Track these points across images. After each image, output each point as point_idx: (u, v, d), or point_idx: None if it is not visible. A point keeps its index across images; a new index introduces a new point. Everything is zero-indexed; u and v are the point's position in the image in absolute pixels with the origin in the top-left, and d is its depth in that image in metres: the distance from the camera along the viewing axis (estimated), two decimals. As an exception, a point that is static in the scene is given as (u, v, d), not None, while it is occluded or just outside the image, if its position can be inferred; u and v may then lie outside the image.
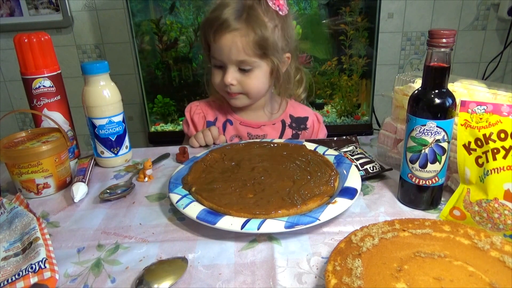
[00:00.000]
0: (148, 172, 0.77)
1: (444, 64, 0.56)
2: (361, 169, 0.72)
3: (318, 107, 1.78)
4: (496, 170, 0.55)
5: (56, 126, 0.79)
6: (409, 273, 0.43)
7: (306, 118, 1.02)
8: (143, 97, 1.72)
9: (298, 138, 1.00)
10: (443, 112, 0.56)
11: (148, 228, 0.61)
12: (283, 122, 1.00)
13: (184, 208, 0.60)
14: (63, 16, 1.76)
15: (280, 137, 0.99)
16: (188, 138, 0.99)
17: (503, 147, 0.55)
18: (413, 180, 0.61)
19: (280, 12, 0.87)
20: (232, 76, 0.87)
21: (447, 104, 0.56)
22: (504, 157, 0.55)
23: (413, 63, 1.89)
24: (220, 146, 0.82)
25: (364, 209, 0.64)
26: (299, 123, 1.01)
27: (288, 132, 1.00)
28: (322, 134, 1.05)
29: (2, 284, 0.47)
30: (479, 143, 0.57)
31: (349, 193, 0.61)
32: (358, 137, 0.90)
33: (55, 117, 0.82)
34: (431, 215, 0.62)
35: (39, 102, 0.81)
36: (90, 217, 0.65)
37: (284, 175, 0.68)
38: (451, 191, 0.62)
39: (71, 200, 0.70)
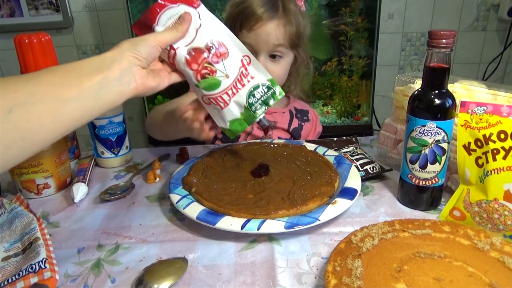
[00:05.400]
0: (157, 172, 0.77)
1: (444, 64, 0.56)
2: (361, 169, 0.72)
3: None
4: (496, 170, 0.55)
5: (57, 127, 0.79)
6: (409, 273, 0.43)
7: (307, 111, 1.07)
8: (143, 98, 1.72)
9: (302, 130, 1.03)
10: (443, 112, 0.57)
11: (148, 229, 0.61)
12: (291, 112, 1.03)
13: (184, 209, 0.60)
14: (63, 16, 1.76)
15: (289, 125, 1.01)
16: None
17: (503, 148, 0.55)
18: (413, 180, 0.61)
19: (301, 8, 0.92)
20: (263, 64, 0.88)
21: (447, 104, 0.56)
22: (504, 157, 0.55)
23: (413, 63, 1.88)
24: (220, 147, 0.83)
25: (364, 210, 0.64)
26: (302, 115, 1.05)
27: (295, 122, 1.03)
28: (320, 128, 1.10)
29: (2, 284, 0.47)
30: (479, 143, 0.57)
31: (349, 193, 0.61)
32: (358, 137, 0.90)
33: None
34: (431, 215, 0.62)
35: (39, 103, 0.81)
36: (90, 218, 0.65)
37: (284, 176, 0.68)
38: (451, 192, 0.62)
39: (71, 201, 0.70)
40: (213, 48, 0.59)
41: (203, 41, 0.59)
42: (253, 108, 0.63)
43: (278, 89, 0.64)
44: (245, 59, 0.62)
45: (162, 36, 0.56)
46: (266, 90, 0.64)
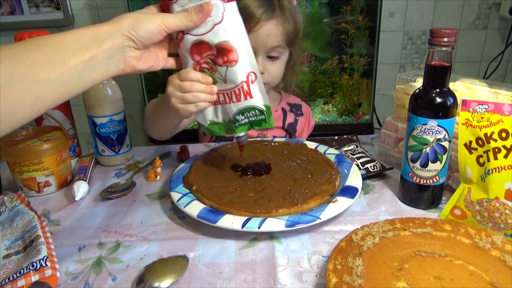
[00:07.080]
0: (158, 170, 0.78)
1: (446, 63, 0.56)
2: (362, 168, 0.72)
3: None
4: (497, 169, 0.55)
5: (57, 125, 0.79)
6: (409, 272, 0.43)
7: (300, 105, 1.07)
8: (144, 96, 1.72)
9: (297, 124, 1.03)
10: (444, 111, 0.56)
11: (149, 227, 0.61)
12: (284, 110, 1.03)
13: (185, 207, 0.60)
14: (64, 14, 1.76)
15: (283, 122, 1.01)
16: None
17: (504, 146, 0.55)
18: (414, 179, 0.61)
19: (293, 4, 0.91)
20: (262, 65, 0.88)
21: (448, 103, 0.56)
22: (505, 156, 0.55)
23: (414, 62, 1.88)
24: (221, 145, 0.82)
25: (365, 208, 0.64)
26: (296, 109, 1.05)
27: (290, 117, 1.02)
28: (313, 122, 1.10)
29: (3, 282, 0.47)
30: (480, 142, 0.57)
31: (350, 192, 0.61)
32: (359, 136, 0.90)
33: (56, 116, 0.82)
34: (432, 214, 0.62)
35: (40, 101, 0.81)
36: (91, 216, 0.66)
37: (285, 174, 0.68)
38: (452, 190, 0.62)
39: (72, 199, 0.70)
40: (223, 50, 0.55)
41: (216, 39, 0.55)
42: (236, 124, 0.61)
43: (269, 119, 0.60)
44: (251, 76, 0.58)
45: (172, 21, 0.52)
46: (257, 114, 0.60)
